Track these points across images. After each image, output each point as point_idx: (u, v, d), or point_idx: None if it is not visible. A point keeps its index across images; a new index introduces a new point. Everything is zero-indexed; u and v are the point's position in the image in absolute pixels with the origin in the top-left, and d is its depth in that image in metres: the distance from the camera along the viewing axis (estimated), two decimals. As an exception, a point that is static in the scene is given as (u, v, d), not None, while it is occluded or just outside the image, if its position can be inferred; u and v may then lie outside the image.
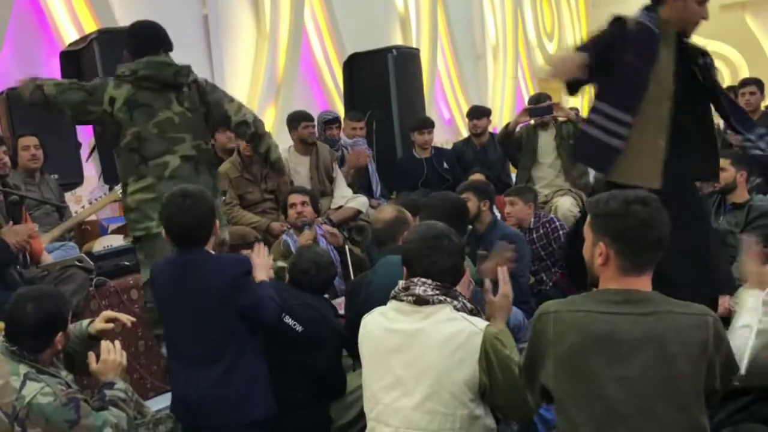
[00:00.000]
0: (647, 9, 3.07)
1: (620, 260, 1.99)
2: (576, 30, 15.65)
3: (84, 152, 5.45)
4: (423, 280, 2.39)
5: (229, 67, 7.68)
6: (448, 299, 2.37)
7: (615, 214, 1.98)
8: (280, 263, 3.90)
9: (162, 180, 3.59)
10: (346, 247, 4.66)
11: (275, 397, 2.88)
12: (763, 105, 6.14)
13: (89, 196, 5.09)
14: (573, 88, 3.10)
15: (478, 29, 12.12)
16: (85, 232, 4.70)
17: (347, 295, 3.55)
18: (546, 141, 5.88)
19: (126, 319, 2.94)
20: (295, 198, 4.58)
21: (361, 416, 2.68)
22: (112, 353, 2.74)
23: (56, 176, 4.92)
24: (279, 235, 4.71)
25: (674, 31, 3.05)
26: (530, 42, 13.67)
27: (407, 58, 6.95)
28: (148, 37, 3.66)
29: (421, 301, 2.36)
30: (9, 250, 3.48)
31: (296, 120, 5.50)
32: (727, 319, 2.40)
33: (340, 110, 7.28)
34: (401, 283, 2.44)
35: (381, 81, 6.65)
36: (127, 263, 4.21)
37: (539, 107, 5.86)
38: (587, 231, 2.08)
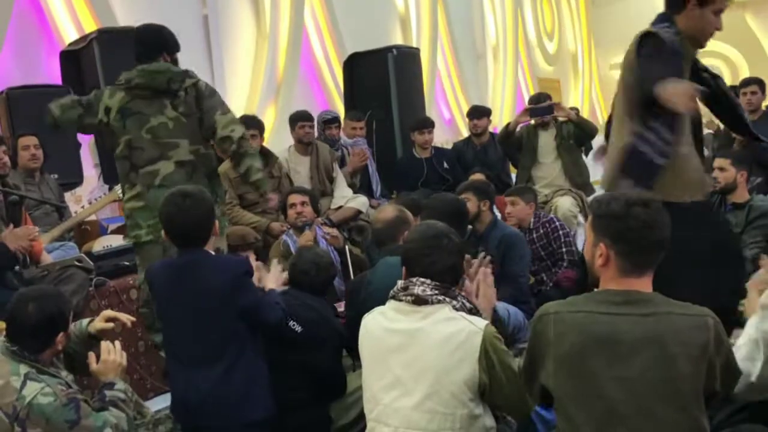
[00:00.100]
0: (663, 19, 3.01)
1: (620, 261, 1.99)
2: (576, 30, 15.66)
3: (84, 152, 5.45)
4: (422, 279, 2.39)
5: (229, 67, 7.68)
6: (447, 299, 2.37)
7: (616, 216, 1.98)
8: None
9: (152, 188, 3.62)
10: (346, 247, 4.66)
11: (275, 398, 2.88)
12: (764, 105, 6.14)
13: (89, 196, 5.09)
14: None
15: (478, 29, 12.13)
16: (84, 232, 4.71)
17: (347, 295, 3.55)
18: (546, 141, 5.89)
19: (126, 318, 2.94)
20: (294, 198, 4.57)
21: (361, 417, 2.68)
22: (113, 354, 2.74)
23: (56, 176, 4.92)
24: (279, 236, 4.71)
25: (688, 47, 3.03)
26: (530, 42, 13.69)
27: (407, 58, 6.95)
28: (150, 43, 3.67)
29: (420, 300, 2.35)
30: (9, 255, 3.47)
31: (294, 120, 5.52)
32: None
33: (340, 110, 7.28)
34: (400, 282, 2.44)
35: (381, 81, 6.65)
36: (126, 263, 4.22)
37: (539, 107, 5.86)
38: (588, 231, 2.08)
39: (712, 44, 3.18)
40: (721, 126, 4.59)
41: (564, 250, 4.76)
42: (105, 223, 5.04)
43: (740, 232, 4.25)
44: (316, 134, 5.67)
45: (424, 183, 5.92)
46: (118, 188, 4.21)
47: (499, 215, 4.82)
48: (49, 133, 4.77)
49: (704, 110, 3.24)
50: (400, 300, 2.39)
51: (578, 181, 5.80)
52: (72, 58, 5.31)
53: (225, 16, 7.73)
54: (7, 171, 4.24)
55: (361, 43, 7.84)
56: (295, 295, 3.24)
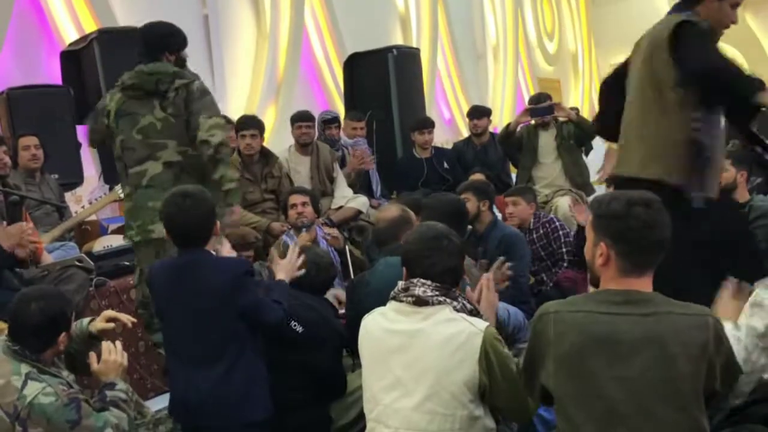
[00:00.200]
0: (682, 8, 2.98)
1: (620, 261, 1.99)
2: (576, 30, 15.66)
3: (84, 152, 5.45)
4: (422, 281, 2.39)
5: (229, 66, 7.68)
6: (448, 300, 2.37)
7: (616, 215, 1.98)
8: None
9: (139, 188, 3.64)
10: (347, 247, 4.66)
11: (275, 398, 2.88)
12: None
13: (89, 196, 5.09)
14: None
15: (478, 29, 12.12)
16: (85, 232, 4.71)
17: (348, 295, 3.55)
18: (546, 141, 5.89)
19: (126, 319, 2.95)
20: (295, 198, 4.58)
21: (361, 417, 2.68)
22: (113, 354, 2.74)
23: (56, 176, 4.91)
24: (279, 236, 4.71)
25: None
26: (530, 42, 13.69)
27: (407, 58, 6.95)
28: (151, 44, 3.68)
29: (420, 302, 2.36)
30: (4, 253, 3.46)
31: (292, 120, 5.55)
32: None
33: (341, 110, 7.28)
34: (401, 283, 2.44)
35: (381, 81, 6.65)
36: (127, 263, 4.22)
37: (540, 107, 5.86)
38: (589, 231, 2.08)
39: (712, 44, 3.17)
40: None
41: (564, 250, 4.76)
42: (105, 223, 5.04)
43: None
44: (316, 134, 5.67)
45: (424, 183, 5.92)
46: (118, 188, 4.21)
47: (499, 215, 4.83)
48: (50, 133, 4.79)
49: None
50: (401, 301, 2.39)
51: (578, 181, 5.80)
52: (72, 59, 5.32)
53: (225, 16, 7.74)
54: (7, 171, 4.24)
55: (361, 43, 7.84)
56: (295, 295, 3.23)
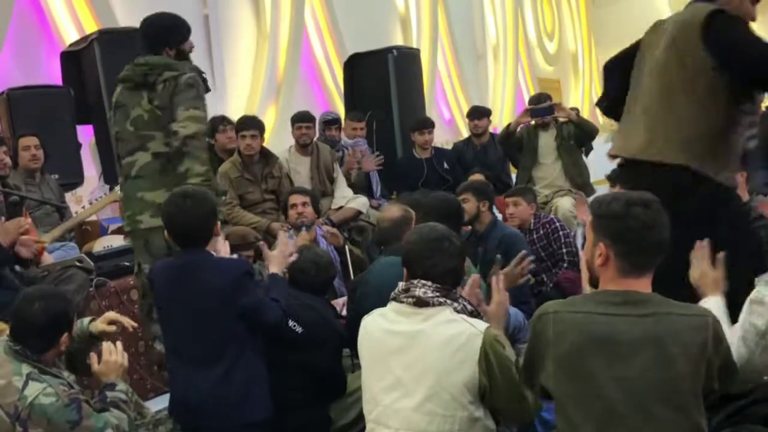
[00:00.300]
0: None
1: (619, 262, 1.99)
2: (576, 30, 15.67)
3: (84, 152, 5.46)
4: (423, 282, 2.38)
5: (229, 67, 7.69)
6: (449, 301, 2.37)
7: (616, 216, 1.98)
8: None
9: (128, 179, 3.64)
10: (346, 247, 4.66)
11: (275, 398, 2.88)
12: (763, 105, 6.14)
13: (89, 196, 5.10)
14: None
15: (478, 29, 12.14)
16: (85, 233, 4.71)
17: (349, 295, 3.55)
18: (547, 141, 5.89)
19: (128, 323, 2.95)
20: (295, 198, 4.58)
21: (360, 417, 2.68)
22: (114, 354, 2.75)
23: (56, 176, 4.92)
24: (279, 236, 4.70)
25: None
26: (530, 42, 13.70)
27: (407, 58, 6.95)
28: (151, 37, 3.67)
29: (421, 302, 2.35)
30: (3, 250, 3.46)
31: (292, 121, 5.56)
32: None
33: (341, 110, 7.28)
34: (401, 284, 2.44)
35: (381, 81, 6.65)
36: (127, 263, 4.21)
37: (540, 108, 5.86)
38: (588, 231, 2.08)
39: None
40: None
41: (564, 250, 4.76)
42: (105, 223, 5.04)
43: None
44: (316, 135, 5.68)
45: (424, 183, 5.92)
46: (118, 188, 4.21)
47: (499, 216, 4.82)
48: (50, 133, 4.79)
49: None
50: (401, 302, 2.39)
51: (578, 181, 5.80)
52: (73, 59, 5.32)
53: (225, 16, 7.74)
54: (7, 171, 4.24)
55: (362, 43, 7.85)
56: (295, 295, 3.24)
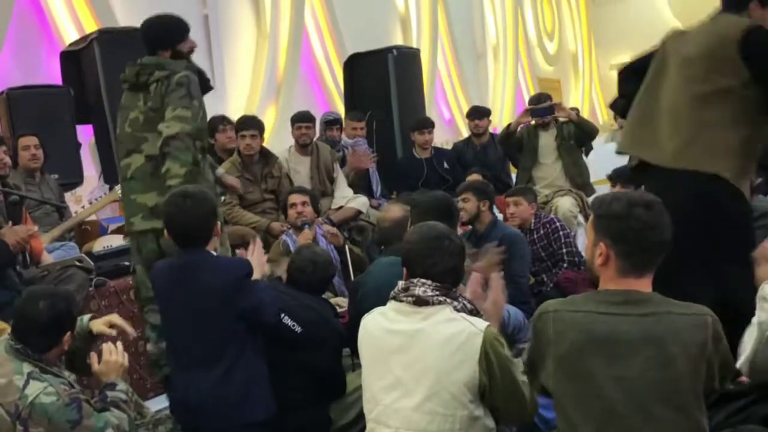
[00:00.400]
0: (732, 8, 2.98)
1: (620, 261, 1.99)
2: (576, 29, 15.68)
3: (84, 152, 5.45)
4: (423, 281, 2.38)
5: (229, 66, 7.69)
6: (449, 300, 2.37)
7: (617, 216, 1.98)
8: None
9: (125, 181, 3.64)
10: (346, 247, 4.66)
11: (275, 398, 2.88)
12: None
13: (89, 196, 5.09)
14: None
15: (478, 29, 12.14)
16: (85, 232, 4.71)
17: (350, 295, 3.55)
18: (547, 141, 5.89)
19: (130, 331, 2.95)
20: (295, 198, 4.58)
21: (360, 417, 2.68)
22: (114, 354, 2.74)
23: (56, 176, 4.92)
24: (279, 235, 4.71)
25: None
26: (530, 41, 13.71)
27: (407, 58, 6.95)
28: (148, 40, 3.67)
29: (420, 302, 2.35)
30: (9, 251, 3.48)
31: (292, 121, 5.56)
32: None
33: (341, 110, 7.28)
34: (401, 283, 2.44)
35: (381, 81, 6.65)
36: (127, 263, 4.20)
37: (540, 107, 5.85)
38: (589, 230, 2.08)
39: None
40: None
41: (564, 250, 4.76)
42: (105, 223, 5.04)
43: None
44: (316, 135, 5.67)
45: (424, 183, 5.92)
46: (118, 188, 4.21)
47: (499, 216, 4.82)
48: (50, 133, 4.79)
49: None
50: (401, 301, 2.39)
51: (579, 181, 5.80)
52: (72, 59, 5.32)
53: (225, 16, 7.75)
54: (7, 171, 4.23)
55: (361, 43, 7.85)
56: (294, 295, 3.23)
